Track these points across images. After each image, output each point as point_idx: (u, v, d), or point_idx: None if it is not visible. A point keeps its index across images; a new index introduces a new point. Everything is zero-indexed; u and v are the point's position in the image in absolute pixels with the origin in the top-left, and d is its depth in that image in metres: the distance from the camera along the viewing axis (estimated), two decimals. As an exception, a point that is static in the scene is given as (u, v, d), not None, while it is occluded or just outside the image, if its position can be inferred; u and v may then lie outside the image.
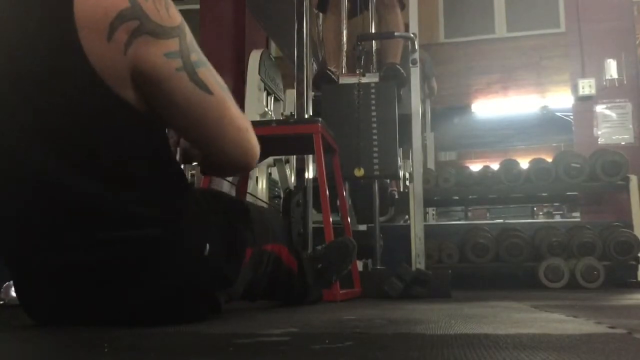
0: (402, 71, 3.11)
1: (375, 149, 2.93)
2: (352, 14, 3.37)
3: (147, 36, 0.99)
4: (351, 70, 3.24)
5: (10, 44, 1.01)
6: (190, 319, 1.20)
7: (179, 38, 1.03)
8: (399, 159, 3.14)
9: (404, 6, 3.28)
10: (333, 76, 3.08)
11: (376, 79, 3.06)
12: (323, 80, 3.08)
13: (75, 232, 1.07)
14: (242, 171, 1.34)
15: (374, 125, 2.95)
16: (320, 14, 3.58)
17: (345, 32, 3.31)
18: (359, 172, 2.85)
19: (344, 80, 3.07)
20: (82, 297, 1.14)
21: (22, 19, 0.99)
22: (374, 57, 3.33)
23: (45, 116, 1.00)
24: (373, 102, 2.98)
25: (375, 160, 2.92)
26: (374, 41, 3.36)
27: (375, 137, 2.94)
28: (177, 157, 1.38)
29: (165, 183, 1.14)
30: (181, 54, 1.03)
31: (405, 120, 2.97)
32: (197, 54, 1.07)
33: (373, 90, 3.00)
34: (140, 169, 1.08)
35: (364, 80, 3.03)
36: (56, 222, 1.07)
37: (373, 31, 3.35)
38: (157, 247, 1.11)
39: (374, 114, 2.96)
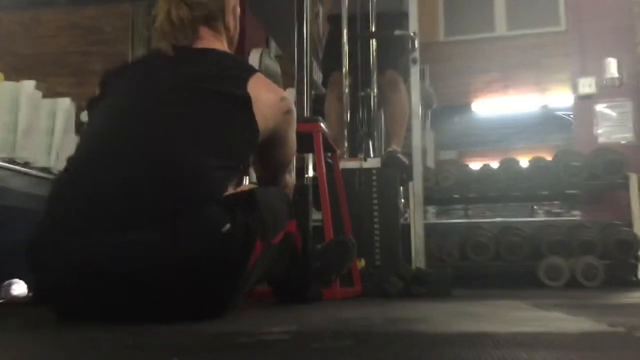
0: (404, 160, 3.05)
1: (377, 238, 2.82)
2: (353, 92, 3.26)
3: (293, 116, 1.60)
4: (354, 153, 3.16)
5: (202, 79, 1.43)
6: (203, 315, 1.23)
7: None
8: (400, 250, 2.98)
9: (406, 80, 3.22)
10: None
11: (378, 165, 2.96)
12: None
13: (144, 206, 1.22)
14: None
15: (376, 213, 2.85)
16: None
17: (347, 116, 3.21)
18: (360, 264, 2.67)
19: (345, 165, 2.92)
20: (104, 286, 1.18)
21: (215, 71, 1.47)
22: (374, 133, 3.29)
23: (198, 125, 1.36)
24: (374, 188, 2.88)
25: (377, 251, 2.81)
26: (375, 122, 3.28)
27: (377, 225, 2.83)
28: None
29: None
30: (294, 130, 1.64)
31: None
32: None
33: (374, 177, 2.90)
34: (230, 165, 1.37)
35: (366, 165, 2.94)
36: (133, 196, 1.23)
37: (376, 109, 3.27)
38: (179, 229, 1.20)
39: (375, 201, 2.86)
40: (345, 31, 3.20)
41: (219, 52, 1.53)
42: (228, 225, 1.23)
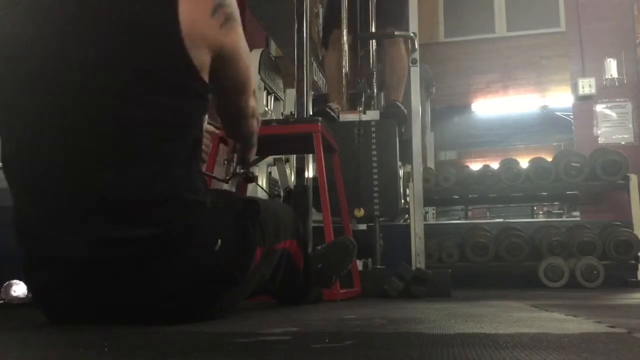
0: (403, 109, 3.05)
1: (376, 188, 2.86)
2: (353, 49, 3.28)
3: (234, 21, 1.26)
4: (353, 106, 3.17)
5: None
6: (199, 318, 1.21)
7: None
8: (400, 198, 3.05)
9: (407, 41, 3.17)
10: (333, 113, 3.01)
11: (377, 117, 2.99)
12: (323, 117, 3.02)
13: (100, 222, 1.12)
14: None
15: (375, 164, 2.88)
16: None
17: (346, 68, 3.21)
18: (359, 213, 2.75)
19: (345, 117, 2.97)
20: (96, 291, 1.16)
21: None
22: (373, 87, 3.28)
23: (113, 69, 1.12)
24: (374, 140, 2.92)
25: (376, 200, 2.85)
26: (374, 77, 3.29)
27: (375, 176, 2.87)
28: (233, 166, 1.70)
29: (191, 177, 1.21)
30: (243, 36, 1.31)
31: (406, 146, 2.94)
32: None
33: (374, 129, 2.93)
34: (175, 154, 1.17)
35: (365, 117, 2.97)
36: (82, 209, 1.12)
37: (374, 65, 3.27)
38: (171, 240, 1.14)
39: (374, 152, 2.89)
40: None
41: None
42: (219, 242, 1.20)
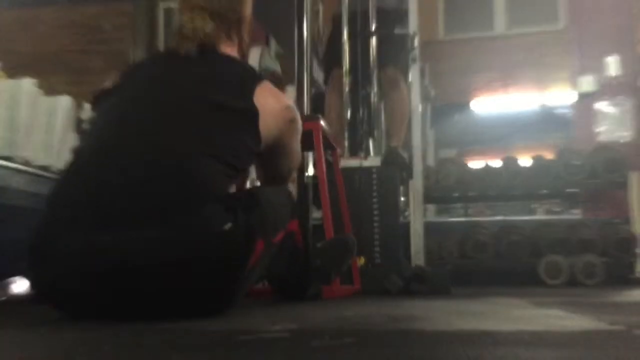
0: (404, 156, 3.03)
1: (377, 235, 2.81)
2: (354, 90, 3.24)
3: (298, 125, 1.62)
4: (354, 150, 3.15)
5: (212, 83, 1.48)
6: (206, 313, 1.24)
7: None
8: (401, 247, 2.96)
9: (407, 78, 3.16)
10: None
11: (378, 163, 2.94)
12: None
13: (138, 216, 1.22)
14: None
15: (376, 211, 2.84)
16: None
17: (347, 111, 3.19)
18: (359, 261, 2.66)
19: (346, 163, 2.89)
20: (112, 282, 1.19)
21: (224, 77, 1.50)
22: (374, 129, 3.27)
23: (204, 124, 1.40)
24: (375, 187, 2.87)
25: (377, 249, 2.80)
26: (375, 121, 3.27)
27: (376, 223, 2.82)
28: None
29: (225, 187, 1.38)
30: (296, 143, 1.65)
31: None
32: None
33: (375, 175, 2.88)
34: (229, 170, 1.38)
35: (366, 163, 2.92)
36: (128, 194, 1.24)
37: (376, 107, 3.24)
38: (185, 230, 1.22)
39: (375, 199, 2.85)
40: (345, 29, 3.18)
41: (231, 59, 1.57)
42: (229, 224, 1.25)
